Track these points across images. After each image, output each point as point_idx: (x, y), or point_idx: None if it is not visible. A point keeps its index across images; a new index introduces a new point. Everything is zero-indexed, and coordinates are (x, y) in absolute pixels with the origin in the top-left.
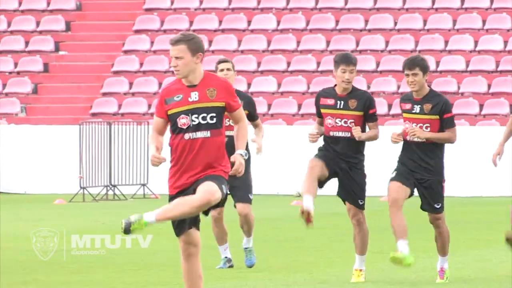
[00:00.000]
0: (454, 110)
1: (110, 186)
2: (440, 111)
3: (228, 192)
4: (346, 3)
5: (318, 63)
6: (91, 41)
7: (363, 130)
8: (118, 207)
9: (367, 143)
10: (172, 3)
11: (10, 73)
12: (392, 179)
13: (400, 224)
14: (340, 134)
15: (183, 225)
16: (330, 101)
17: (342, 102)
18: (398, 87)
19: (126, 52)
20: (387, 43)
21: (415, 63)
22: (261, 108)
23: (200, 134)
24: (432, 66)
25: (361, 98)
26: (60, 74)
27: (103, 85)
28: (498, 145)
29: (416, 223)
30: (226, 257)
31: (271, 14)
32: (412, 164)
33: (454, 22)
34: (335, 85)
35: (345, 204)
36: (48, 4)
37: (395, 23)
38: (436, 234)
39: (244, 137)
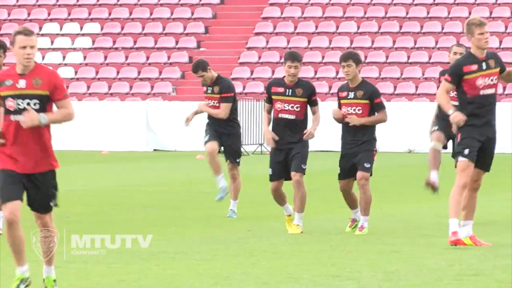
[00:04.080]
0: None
1: None
2: (370, 97)
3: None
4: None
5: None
6: (224, 41)
7: (306, 113)
8: (243, 161)
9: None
10: (282, 12)
11: (164, 63)
12: (339, 179)
13: (353, 199)
14: (288, 116)
15: (10, 195)
16: (281, 89)
17: (290, 90)
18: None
19: (248, 49)
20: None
21: (349, 56)
22: None
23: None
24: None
25: (305, 87)
26: None
27: (232, 73)
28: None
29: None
30: (221, 187)
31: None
32: (350, 141)
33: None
34: (284, 76)
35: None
36: (192, 13)
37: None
38: (360, 195)
39: (62, 115)
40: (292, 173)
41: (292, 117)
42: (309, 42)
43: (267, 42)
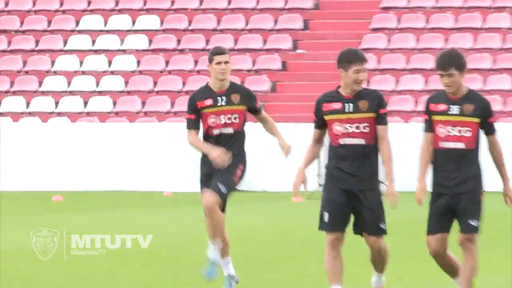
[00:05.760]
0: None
1: None
2: (481, 112)
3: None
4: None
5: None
6: (329, 39)
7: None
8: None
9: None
10: (409, 2)
11: (248, 71)
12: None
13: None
14: (353, 141)
15: None
16: (336, 105)
17: (351, 104)
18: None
19: (363, 50)
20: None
21: (450, 63)
22: None
23: None
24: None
25: (372, 98)
26: (298, 72)
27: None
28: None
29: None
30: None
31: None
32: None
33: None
34: (338, 87)
35: (362, 236)
36: (286, 2)
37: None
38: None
39: None
40: None
41: (361, 142)
42: None
43: (389, 41)
